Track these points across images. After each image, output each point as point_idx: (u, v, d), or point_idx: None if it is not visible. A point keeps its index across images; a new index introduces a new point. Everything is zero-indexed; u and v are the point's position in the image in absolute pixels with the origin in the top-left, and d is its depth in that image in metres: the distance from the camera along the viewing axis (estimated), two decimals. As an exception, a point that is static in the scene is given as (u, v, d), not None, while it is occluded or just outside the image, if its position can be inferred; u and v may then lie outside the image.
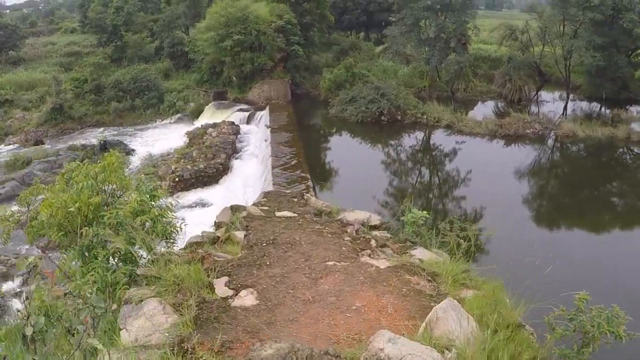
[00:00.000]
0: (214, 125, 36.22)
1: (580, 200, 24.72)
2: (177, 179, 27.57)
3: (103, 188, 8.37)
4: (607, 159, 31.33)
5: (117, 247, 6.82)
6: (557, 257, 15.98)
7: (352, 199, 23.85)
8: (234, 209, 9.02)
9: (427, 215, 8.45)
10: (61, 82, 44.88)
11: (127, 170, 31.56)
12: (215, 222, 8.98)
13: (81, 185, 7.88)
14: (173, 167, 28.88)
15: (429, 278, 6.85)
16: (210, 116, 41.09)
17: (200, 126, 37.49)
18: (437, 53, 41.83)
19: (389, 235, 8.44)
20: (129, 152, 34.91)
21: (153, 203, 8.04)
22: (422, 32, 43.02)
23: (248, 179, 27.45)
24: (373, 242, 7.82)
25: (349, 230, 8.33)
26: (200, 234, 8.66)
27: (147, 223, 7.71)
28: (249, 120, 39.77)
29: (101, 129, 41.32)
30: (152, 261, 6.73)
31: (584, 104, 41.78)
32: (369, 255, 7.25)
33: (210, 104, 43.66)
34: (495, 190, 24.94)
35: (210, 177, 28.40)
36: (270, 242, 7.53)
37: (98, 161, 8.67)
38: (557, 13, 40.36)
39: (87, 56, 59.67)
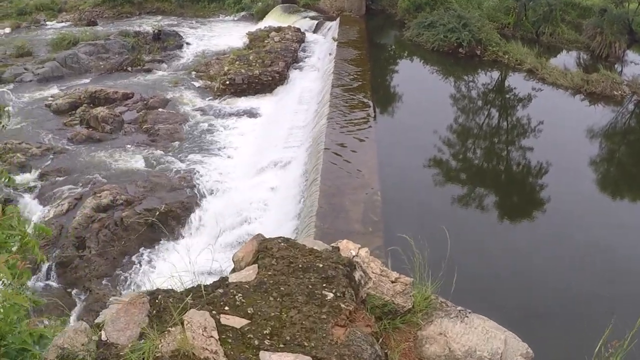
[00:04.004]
0: (278, 29, 33.44)
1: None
2: (227, 82, 25.29)
3: None
4: None
5: None
6: None
7: (417, 138, 21.18)
8: None
9: None
10: (126, -39, 42.43)
11: (178, 65, 29.16)
12: None
13: None
14: (226, 68, 26.50)
15: None
16: (276, 19, 38.28)
17: (263, 28, 34.73)
18: (529, -11, 37.11)
19: None
20: (182, 45, 32.58)
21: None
22: (518, -38, 38.11)
23: (304, 94, 24.87)
24: None
25: None
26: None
27: None
28: (316, 30, 36.66)
29: (159, 17, 38.98)
30: None
31: (671, 74, 36.55)
32: None
33: (278, 6, 40.67)
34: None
35: (264, 85, 25.98)
36: None
37: None
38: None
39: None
